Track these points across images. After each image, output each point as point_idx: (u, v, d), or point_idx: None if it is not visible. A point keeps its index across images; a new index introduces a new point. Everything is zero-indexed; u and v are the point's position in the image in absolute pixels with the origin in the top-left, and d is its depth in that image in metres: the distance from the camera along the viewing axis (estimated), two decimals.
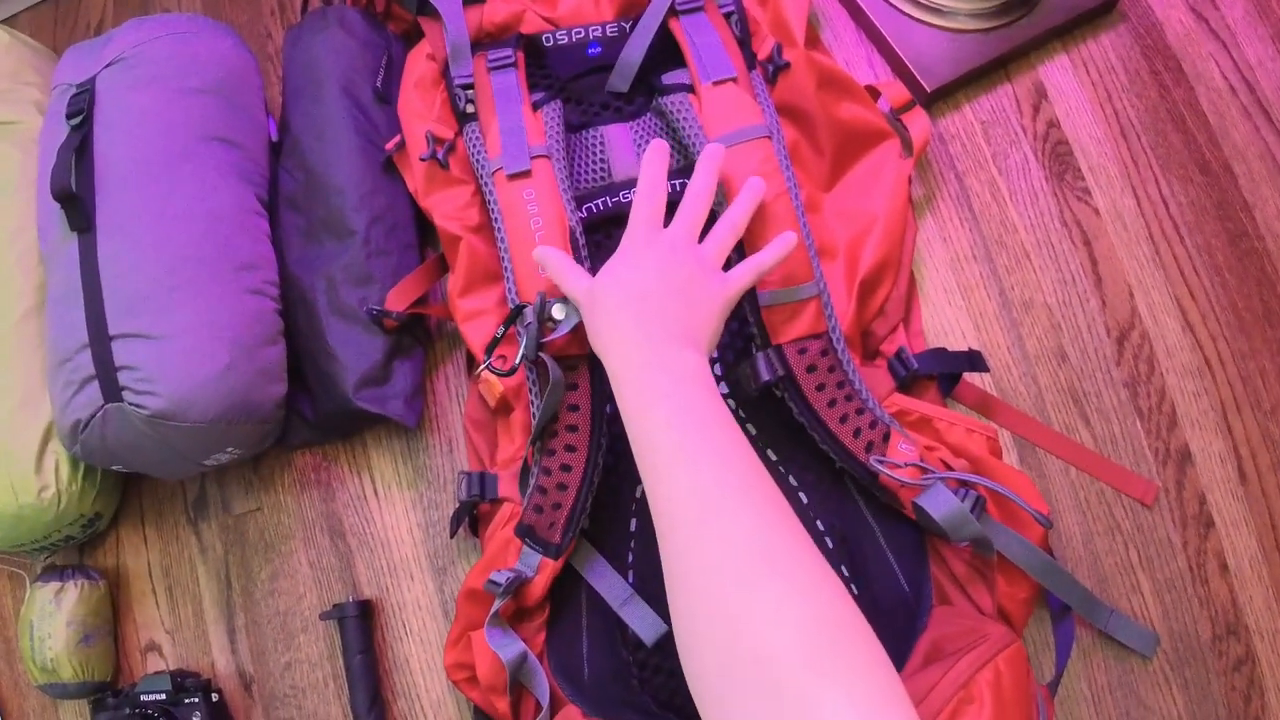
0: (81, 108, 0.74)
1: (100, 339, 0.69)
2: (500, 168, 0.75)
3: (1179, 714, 0.74)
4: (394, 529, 0.82)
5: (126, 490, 0.85)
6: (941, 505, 0.65)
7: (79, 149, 0.72)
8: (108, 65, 0.75)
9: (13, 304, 0.77)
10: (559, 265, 0.67)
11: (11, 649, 0.85)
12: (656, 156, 0.67)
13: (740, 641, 0.44)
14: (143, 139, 0.73)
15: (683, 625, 0.47)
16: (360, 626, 0.78)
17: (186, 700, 0.78)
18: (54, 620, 0.79)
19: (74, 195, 0.70)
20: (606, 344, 0.60)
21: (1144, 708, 0.75)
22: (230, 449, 0.74)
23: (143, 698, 0.78)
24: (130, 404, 0.68)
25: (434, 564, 0.81)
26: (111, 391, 0.69)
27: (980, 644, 0.61)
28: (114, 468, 0.75)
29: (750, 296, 0.71)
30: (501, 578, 0.68)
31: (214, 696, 0.79)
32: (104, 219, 0.71)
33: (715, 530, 0.48)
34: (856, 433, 0.70)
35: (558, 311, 0.69)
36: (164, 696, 0.78)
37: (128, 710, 0.77)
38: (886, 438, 0.70)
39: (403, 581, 0.81)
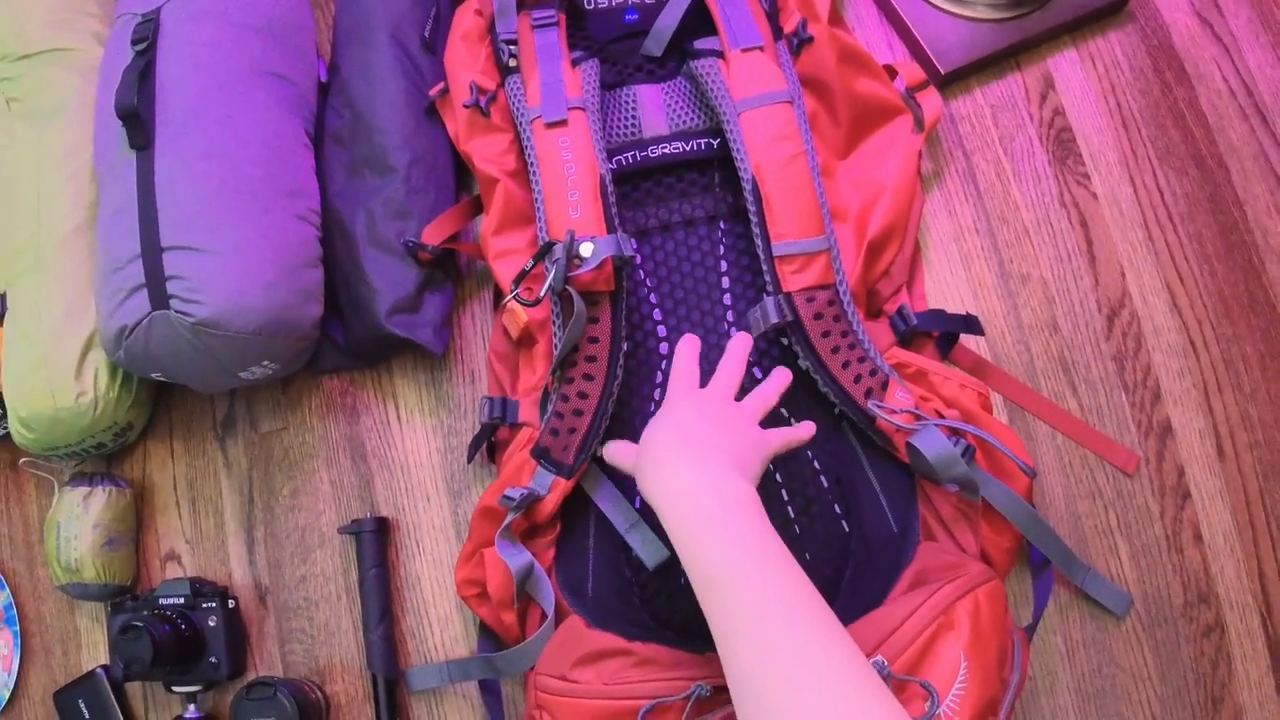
0: (146, 35, 0.78)
1: (152, 250, 0.73)
2: (539, 116, 0.79)
3: (1149, 673, 0.79)
4: (414, 453, 0.86)
5: (157, 405, 0.89)
6: (933, 445, 0.69)
7: (142, 73, 0.77)
8: None
9: (63, 219, 0.81)
10: (615, 449, 0.70)
11: (33, 554, 0.89)
12: (740, 345, 0.71)
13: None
14: (203, 67, 0.78)
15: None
16: (376, 542, 0.82)
17: (204, 605, 0.82)
18: (81, 522, 0.83)
19: (136, 114, 0.74)
20: (655, 484, 0.60)
21: (1115, 664, 0.79)
22: (267, 362, 0.78)
23: (161, 601, 0.82)
24: (177, 311, 0.72)
25: (450, 487, 0.85)
26: (159, 299, 0.73)
27: (961, 576, 0.65)
28: (153, 375, 0.79)
29: (764, 246, 0.76)
30: (516, 494, 0.72)
31: (230, 603, 0.83)
32: (162, 139, 0.76)
33: (775, 653, 0.50)
34: (857, 379, 0.74)
35: (585, 249, 0.74)
36: (182, 601, 0.82)
37: (146, 612, 0.81)
38: (885, 386, 0.74)
39: (419, 503, 0.85)
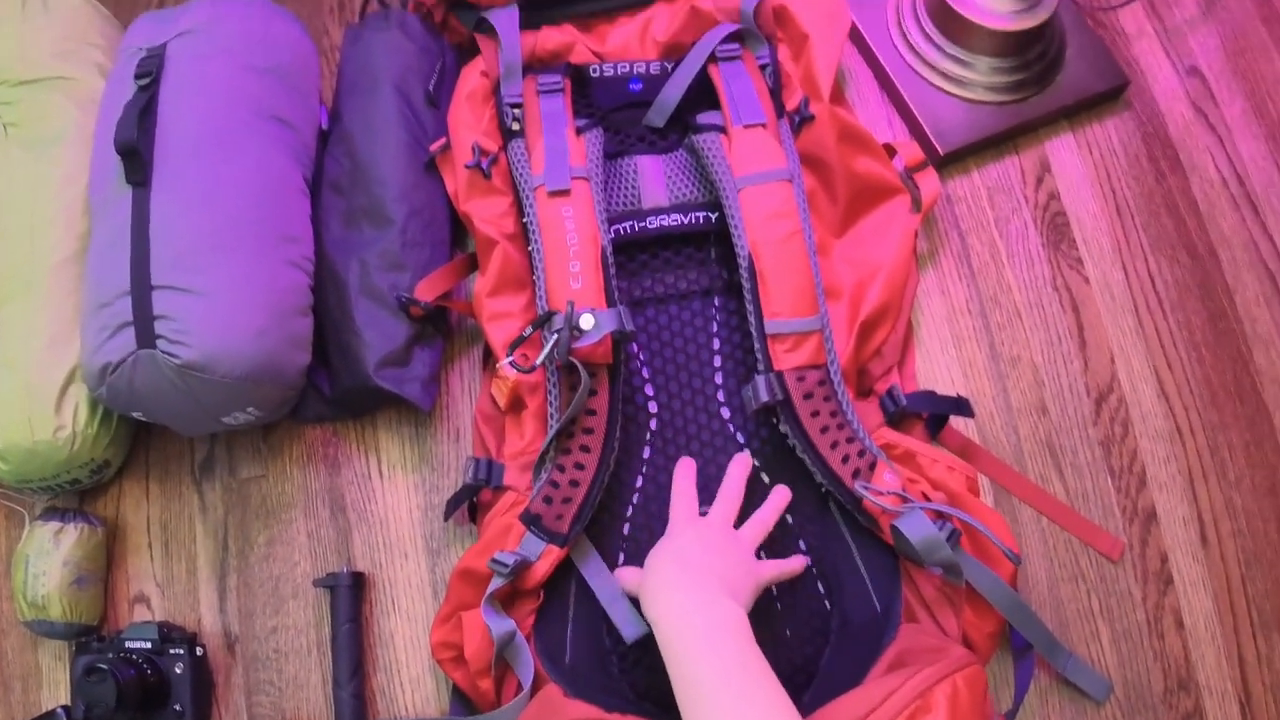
0: (150, 70, 0.78)
1: (141, 287, 0.73)
2: (543, 184, 0.79)
3: None
4: (394, 509, 0.85)
5: (136, 444, 0.88)
6: (918, 530, 0.69)
7: (144, 109, 0.77)
8: (179, 35, 0.80)
9: (52, 249, 0.80)
10: (622, 574, 0.73)
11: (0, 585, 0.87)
12: (739, 469, 0.76)
13: None
14: (206, 106, 0.78)
15: None
16: (351, 596, 0.81)
17: (171, 651, 0.80)
18: (50, 559, 0.81)
19: (135, 150, 0.74)
20: (655, 609, 0.65)
21: None
22: (250, 409, 0.77)
23: (128, 644, 0.79)
24: (163, 351, 0.72)
25: (429, 545, 0.84)
26: (146, 338, 0.72)
27: (942, 660, 0.64)
28: (134, 414, 0.78)
29: (757, 324, 0.76)
30: (508, 559, 0.71)
31: (198, 650, 0.81)
32: (160, 176, 0.75)
33: None
34: (845, 459, 0.74)
35: (585, 322, 0.74)
36: (149, 645, 0.79)
37: (111, 654, 0.79)
38: (873, 466, 0.74)
39: (397, 559, 0.84)
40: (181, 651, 0.79)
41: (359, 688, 0.80)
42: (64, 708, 0.81)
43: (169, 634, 0.80)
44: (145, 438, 0.88)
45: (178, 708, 0.79)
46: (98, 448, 0.81)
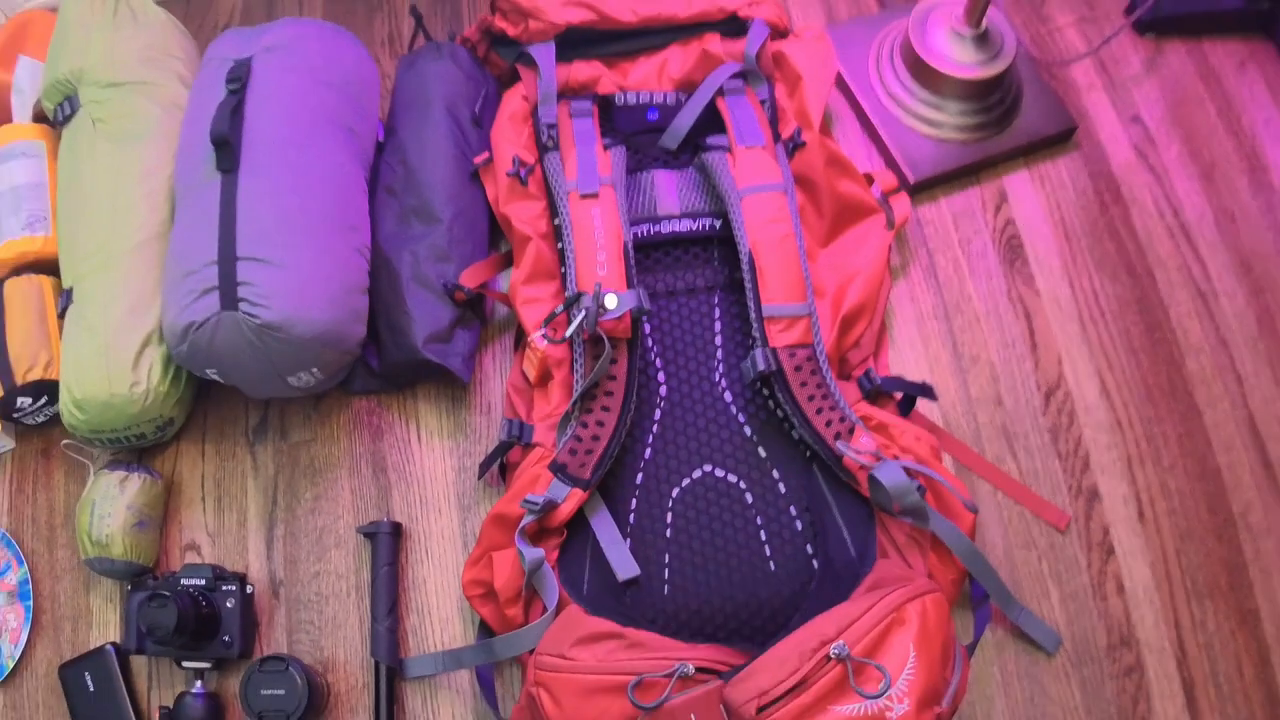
0: (239, 76, 0.91)
1: (228, 258, 0.84)
2: (575, 189, 0.93)
3: (1076, 705, 0.88)
4: (430, 470, 0.96)
5: (195, 409, 0.99)
6: (891, 476, 0.80)
7: (234, 109, 0.90)
8: (265, 49, 0.94)
9: (135, 230, 0.92)
10: None
11: (55, 536, 0.96)
12: None
13: None
14: (287, 110, 0.91)
15: None
16: (390, 543, 0.91)
17: (224, 587, 0.89)
18: (115, 502, 0.90)
19: (227, 141, 0.87)
20: None
21: (1046, 696, 0.88)
22: (314, 369, 0.89)
23: (184, 581, 0.89)
24: (244, 313, 0.83)
25: (461, 503, 0.94)
26: (230, 301, 0.84)
27: (912, 584, 0.75)
28: (207, 372, 0.88)
29: (756, 308, 0.89)
30: (537, 499, 0.82)
31: (249, 589, 0.90)
32: (247, 164, 0.88)
33: None
34: (828, 423, 0.86)
35: (609, 301, 0.86)
36: (203, 583, 0.89)
37: (167, 591, 0.88)
38: (852, 431, 0.86)
39: (431, 514, 0.94)
40: (233, 588, 0.89)
41: (394, 623, 0.89)
42: (112, 644, 0.90)
43: (221, 573, 0.89)
44: (204, 403, 0.99)
45: (227, 639, 0.88)
46: (167, 404, 0.91)
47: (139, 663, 0.91)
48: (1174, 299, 1.03)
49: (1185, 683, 0.89)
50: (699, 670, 0.72)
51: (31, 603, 0.93)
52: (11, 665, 0.91)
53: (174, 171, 0.94)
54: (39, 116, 1.06)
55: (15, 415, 0.95)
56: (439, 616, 0.91)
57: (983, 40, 1.03)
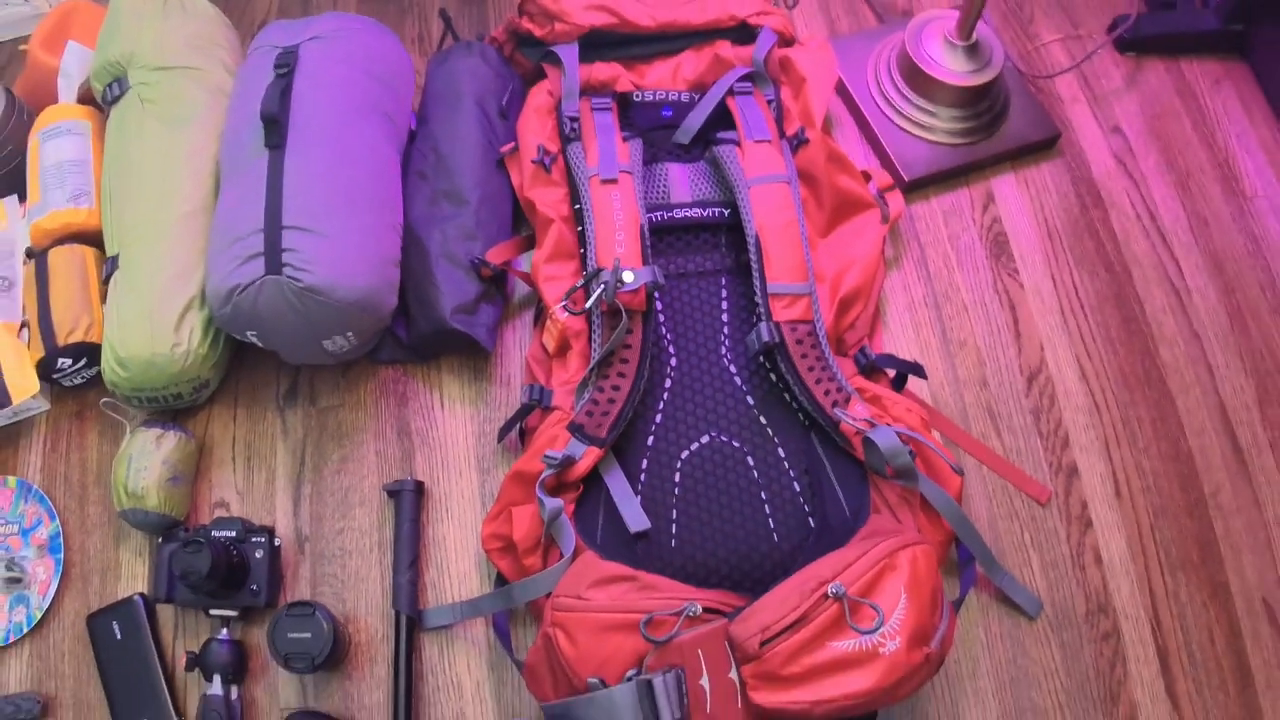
0: (287, 63, 0.98)
1: (274, 226, 0.90)
2: (596, 174, 1.00)
3: (1056, 667, 0.93)
4: (452, 435, 1.01)
5: (229, 376, 1.04)
6: (885, 439, 0.86)
7: (282, 91, 0.96)
8: (311, 39, 1.01)
9: (181, 202, 0.98)
10: None
11: (86, 494, 1.00)
12: None
13: None
14: (331, 94, 0.98)
15: None
16: (414, 500, 0.97)
17: (253, 539, 0.93)
18: (151, 457, 0.95)
19: (276, 119, 0.94)
20: None
21: (1028, 657, 0.94)
22: (350, 334, 0.95)
23: (214, 532, 0.93)
24: (288, 277, 0.89)
25: (480, 465, 1.00)
26: (274, 266, 0.89)
27: (904, 534, 0.81)
28: (248, 334, 0.94)
29: (761, 286, 0.95)
30: (557, 455, 0.87)
31: (277, 541, 0.95)
32: (293, 142, 0.94)
33: None
34: (826, 393, 0.93)
35: (627, 276, 0.93)
36: (234, 534, 0.93)
37: (199, 540, 0.91)
38: (848, 400, 0.92)
39: (452, 476, 1.00)
40: (262, 539, 0.93)
41: (414, 575, 0.95)
42: (140, 595, 0.94)
43: (251, 526, 0.94)
44: (237, 370, 1.05)
45: (254, 588, 0.92)
46: (205, 366, 0.97)
47: (165, 614, 0.95)
48: (1149, 294, 1.10)
49: (1160, 650, 0.94)
50: (706, 610, 0.78)
51: (62, 555, 0.97)
52: (40, 615, 0.95)
53: (218, 150, 1.01)
54: (84, 99, 1.12)
55: (55, 375, 1.00)
56: (457, 571, 0.96)
57: (973, 51, 1.11)
